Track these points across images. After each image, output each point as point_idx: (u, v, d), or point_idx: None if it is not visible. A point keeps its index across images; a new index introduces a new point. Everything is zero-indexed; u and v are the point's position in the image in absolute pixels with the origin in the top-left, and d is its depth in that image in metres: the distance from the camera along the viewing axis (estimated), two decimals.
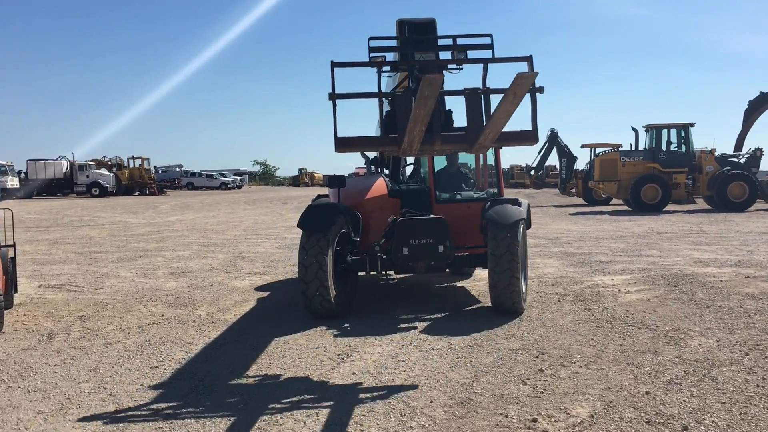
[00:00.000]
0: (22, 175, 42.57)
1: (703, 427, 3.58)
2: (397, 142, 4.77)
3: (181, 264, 10.36)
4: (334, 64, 4.78)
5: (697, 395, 4.06)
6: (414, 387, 4.33)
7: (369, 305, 7.02)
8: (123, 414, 3.96)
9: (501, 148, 7.29)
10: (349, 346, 5.37)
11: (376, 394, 4.23)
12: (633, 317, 6.14)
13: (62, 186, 42.95)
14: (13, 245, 7.05)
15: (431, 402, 4.06)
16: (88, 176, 42.79)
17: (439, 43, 5.30)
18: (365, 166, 9.63)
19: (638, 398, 4.03)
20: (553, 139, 32.51)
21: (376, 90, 5.10)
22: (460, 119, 5.27)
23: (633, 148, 23.61)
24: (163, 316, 6.59)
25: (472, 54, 5.11)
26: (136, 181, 45.25)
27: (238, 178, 64.60)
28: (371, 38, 5.09)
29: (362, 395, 4.22)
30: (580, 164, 31.51)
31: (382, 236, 6.70)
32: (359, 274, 6.88)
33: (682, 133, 22.65)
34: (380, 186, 7.46)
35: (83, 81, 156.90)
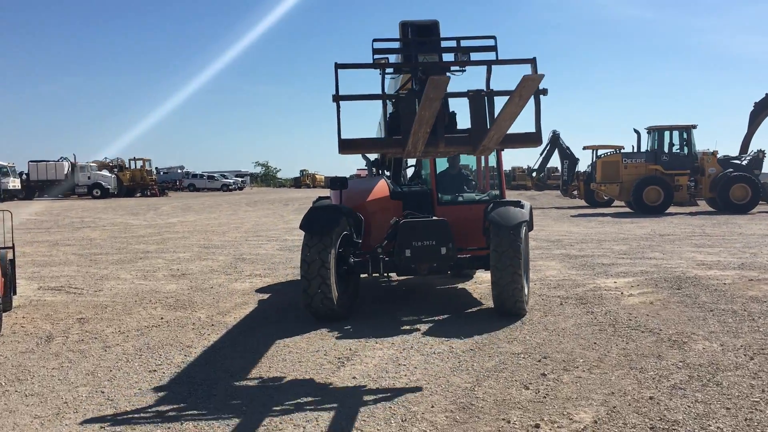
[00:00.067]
0: (24, 176, 42.61)
1: None
2: (401, 144, 4.75)
3: (182, 266, 10.32)
4: (338, 66, 4.78)
5: (702, 400, 4.01)
6: (415, 391, 4.28)
7: (370, 307, 6.97)
8: (120, 419, 3.92)
9: (503, 150, 7.26)
10: (350, 349, 5.32)
11: (376, 398, 4.18)
12: (636, 321, 6.08)
13: (63, 187, 42.95)
14: (12, 247, 7.01)
15: (432, 407, 4.01)
16: (89, 177, 42.81)
17: (442, 45, 5.28)
18: (366, 167, 9.60)
19: (642, 403, 3.97)
20: (555, 140, 32.45)
21: (378, 91, 5.08)
22: (463, 121, 5.25)
23: (635, 150, 23.55)
24: (162, 318, 6.55)
25: (475, 56, 5.10)
26: (137, 183, 45.25)
27: (240, 179, 64.60)
28: (375, 40, 5.08)
29: (363, 400, 4.17)
30: (582, 166, 31.50)
31: (384, 238, 6.67)
32: (361, 276, 6.85)
33: (685, 135, 22.59)
34: (382, 188, 7.44)
35: (85, 83, 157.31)
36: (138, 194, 44.83)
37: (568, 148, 32.52)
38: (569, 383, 4.37)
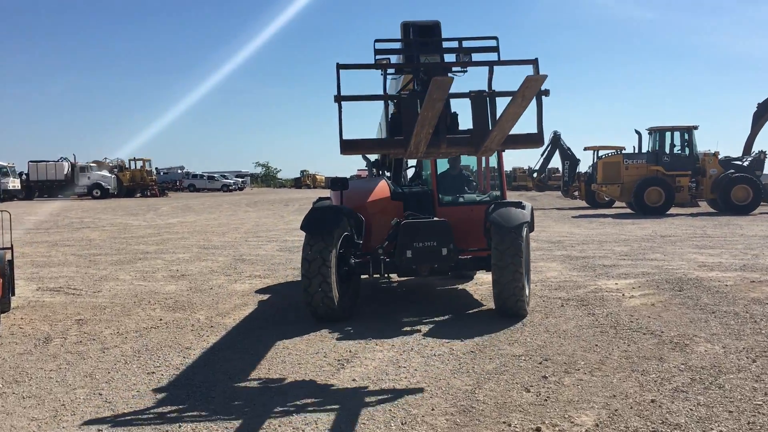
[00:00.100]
0: (24, 176, 42.60)
1: None
2: (402, 145, 4.74)
3: (181, 267, 10.29)
4: (339, 66, 4.76)
5: (704, 404, 3.97)
6: (415, 394, 4.25)
7: (370, 308, 6.94)
8: (118, 421, 3.89)
9: (504, 150, 7.24)
10: (350, 351, 5.29)
11: (376, 401, 4.15)
12: (638, 322, 6.05)
13: (63, 187, 42.95)
14: (11, 248, 6.97)
15: (432, 410, 3.98)
16: (89, 178, 42.79)
17: (444, 46, 5.28)
18: (367, 168, 9.57)
19: (644, 406, 3.94)
20: (556, 141, 32.38)
21: (379, 92, 5.07)
22: (464, 122, 5.24)
23: (636, 151, 23.51)
24: (161, 320, 6.52)
25: (477, 57, 5.09)
26: (137, 183, 45.23)
27: (240, 179, 64.56)
28: (377, 40, 5.07)
29: (363, 402, 4.14)
30: (583, 167, 31.43)
31: (385, 239, 6.66)
32: (362, 276, 6.83)
33: (686, 136, 22.54)
34: (383, 188, 7.42)
35: (86, 84, 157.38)
36: (138, 195, 44.80)
37: (569, 148, 32.45)
38: (570, 386, 4.34)
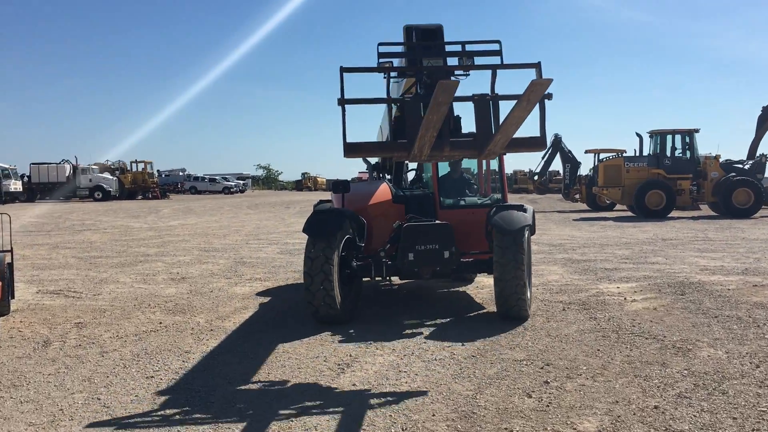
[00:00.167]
0: (26, 179, 42.63)
1: None
2: (406, 148, 4.73)
3: (182, 269, 10.26)
4: (343, 70, 4.76)
5: (708, 410, 3.94)
6: (416, 399, 4.22)
7: (371, 311, 6.91)
8: (116, 426, 3.86)
9: (505, 154, 7.22)
10: (350, 355, 5.25)
11: (377, 406, 4.12)
12: (640, 327, 6.01)
13: (65, 189, 42.97)
14: (11, 250, 6.95)
15: (433, 415, 3.95)
16: (90, 180, 42.82)
17: (448, 49, 5.29)
18: (367, 171, 9.55)
19: (647, 413, 3.90)
20: (557, 144, 32.40)
21: (381, 95, 5.07)
22: (467, 125, 5.23)
23: (637, 154, 23.48)
24: (161, 323, 6.49)
25: (479, 60, 5.09)
26: (139, 185, 45.26)
27: (241, 182, 64.56)
28: (380, 44, 5.07)
29: (363, 407, 4.11)
30: (584, 170, 31.44)
31: (387, 242, 6.65)
32: (363, 279, 6.81)
33: (687, 139, 22.51)
34: (384, 191, 7.42)
35: (87, 86, 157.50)
36: (139, 197, 44.83)
37: (570, 151, 32.47)
38: (572, 391, 4.30)
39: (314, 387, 4.53)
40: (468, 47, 5.10)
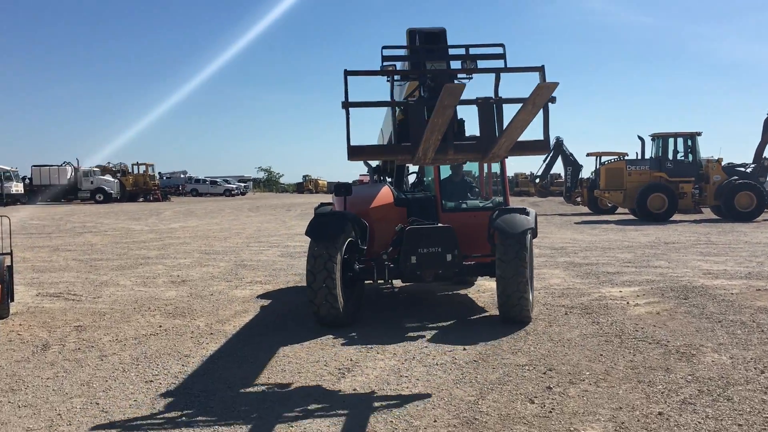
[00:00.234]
0: (27, 181, 42.66)
1: None
2: (410, 151, 4.71)
3: (182, 272, 10.23)
4: (347, 73, 4.76)
5: (713, 416, 3.89)
6: (417, 404, 4.17)
7: (372, 314, 6.87)
8: (114, 431, 3.82)
9: (506, 157, 7.20)
10: (351, 359, 5.21)
11: (377, 412, 4.07)
12: (643, 331, 5.97)
13: (66, 192, 43.02)
14: (10, 253, 6.92)
15: (435, 421, 3.90)
16: (92, 182, 42.84)
17: (451, 53, 5.28)
18: (368, 173, 9.52)
19: (651, 419, 3.86)
20: (559, 147, 32.34)
21: (383, 98, 5.07)
22: (471, 128, 5.21)
23: (639, 157, 23.44)
24: (160, 326, 6.46)
25: (482, 64, 5.08)
26: (140, 188, 45.26)
27: (242, 184, 64.61)
28: (384, 47, 5.06)
29: (364, 413, 4.06)
30: (586, 173, 31.38)
31: (389, 245, 6.64)
32: (365, 282, 6.79)
33: (689, 142, 22.47)
34: (386, 194, 7.40)
35: (88, 88, 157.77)
36: (141, 199, 44.83)
37: (571, 154, 32.42)
38: (575, 397, 4.26)
39: (315, 392, 4.49)
40: (471, 50, 5.09)
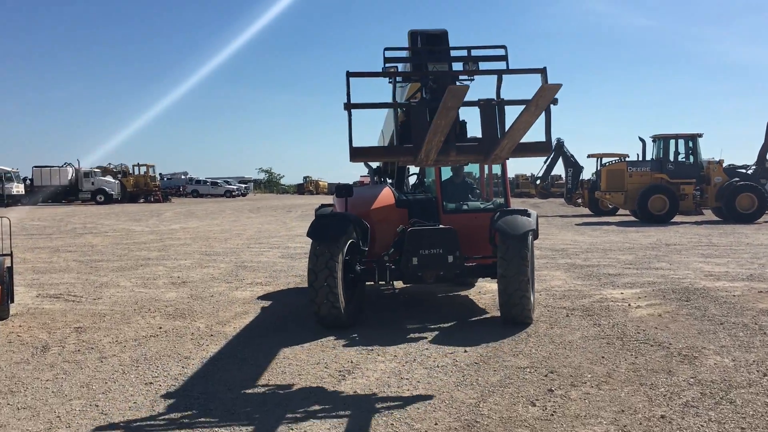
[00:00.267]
0: (28, 182, 42.67)
1: None
2: (412, 153, 4.71)
3: (182, 273, 10.22)
4: (349, 74, 4.75)
5: (716, 419, 3.87)
6: (418, 407, 4.15)
7: (372, 316, 6.84)
8: None
9: (508, 158, 7.18)
10: (351, 362, 5.19)
11: (378, 414, 4.05)
12: (645, 334, 5.94)
13: (67, 193, 43.04)
14: (10, 254, 6.91)
15: (436, 424, 3.88)
16: (93, 183, 42.85)
17: (453, 54, 5.28)
18: (369, 175, 9.51)
19: (653, 422, 3.84)
20: (560, 148, 32.29)
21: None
22: (472, 130, 5.20)
23: (640, 159, 23.41)
24: (161, 328, 6.44)
25: (484, 65, 5.07)
26: (141, 189, 45.27)
27: (243, 185, 64.58)
28: (386, 49, 5.05)
29: (364, 416, 4.04)
30: (586, 174, 31.33)
31: (390, 246, 6.63)
32: (367, 283, 6.78)
33: (690, 144, 22.44)
34: (387, 196, 7.40)
35: (90, 89, 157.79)
36: (141, 200, 44.83)
37: (572, 156, 32.37)
38: (577, 400, 4.24)
39: (315, 394, 4.47)
40: (473, 52, 5.09)
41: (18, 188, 40.21)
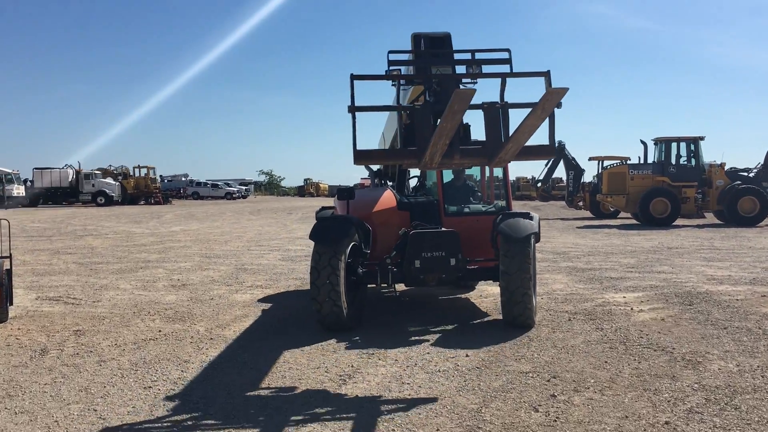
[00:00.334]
0: (28, 183, 42.66)
1: None
2: (416, 155, 4.69)
3: (182, 276, 10.18)
4: (353, 77, 4.74)
5: (721, 426, 3.82)
6: (419, 412, 4.11)
7: (373, 319, 6.80)
8: None
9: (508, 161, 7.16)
10: (352, 366, 5.15)
11: (379, 420, 4.01)
12: (648, 338, 5.90)
13: (68, 195, 43.04)
14: (9, 257, 6.87)
15: (437, 430, 3.84)
16: (93, 185, 42.85)
17: (457, 57, 5.27)
18: (369, 177, 9.48)
19: (658, 429, 3.79)
20: (561, 151, 32.21)
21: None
22: (476, 133, 5.18)
23: (642, 162, 23.36)
24: (160, 331, 6.39)
25: (487, 68, 5.06)
26: (141, 191, 45.25)
27: (244, 187, 64.53)
28: (390, 51, 5.04)
29: (365, 421, 4.00)
30: (588, 177, 31.28)
31: (393, 249, 6.61)
32: (368, 286, 6.75)
33: (692, 147, 22.40)
34: (389, 198, 7.37)
35: (90, 90, 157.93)
36: (142, 202, 44.82)
37: (573, 158, 32.33)
38: (580, 405, 4.19)
39: (315, 399, 4.42)
40: (477, 55, 5.08)
41: (18, 190, 40.20)
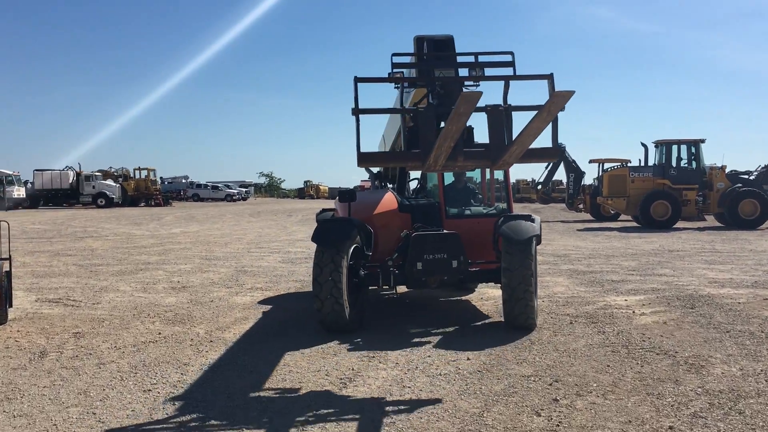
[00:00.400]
0: (29, 184, 42.64)
1: None
2: (419, 158, 4.67)
3: (182, 278, 10.15)
4: (357, 80, 4.73)
5: (724, 431, 3.79)
6: (421, 417, 4.08)
7: (374, 321, 6.77)
8: None
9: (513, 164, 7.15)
10: (352, 369, 5.12)
11: (380, 423, 3.98)
12: (650, 342, 5.87)
13: (68, 196, 43.02)
14: (9, 258, 6.84)
15: None
16: (94, 187, 42.83)
17: (460, 60, 5.26)
18: (369, 179, 9.47)
19: None
20: (561, 153, 32.18)
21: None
22: (479, 136, 5.18)
23: (642, 164, 23.33)
24: (160, 333, 6.37)
25: (490, 71, 5.05)
26: (141, 192, 45.23)
27: (244, 189, 64.51)
28: (394, 54, 5.03)
29: (366, 425, 3.97)
30: (588, 179, 31.25)
31: (394, 251, 6.60)
32: (369, 288, 6.73)
33: (693, 150, 22.37)
34: (390, 200, 7.36)
35: (91, 92, 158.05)
36: (142, 204, 44.79)
37: (574, 161, 32.28)
38: (583, 410, 4.16)
39: (316, 402, 4.39)
40: (481, 58, 5.07)
41: (19, 191, 40.18)
